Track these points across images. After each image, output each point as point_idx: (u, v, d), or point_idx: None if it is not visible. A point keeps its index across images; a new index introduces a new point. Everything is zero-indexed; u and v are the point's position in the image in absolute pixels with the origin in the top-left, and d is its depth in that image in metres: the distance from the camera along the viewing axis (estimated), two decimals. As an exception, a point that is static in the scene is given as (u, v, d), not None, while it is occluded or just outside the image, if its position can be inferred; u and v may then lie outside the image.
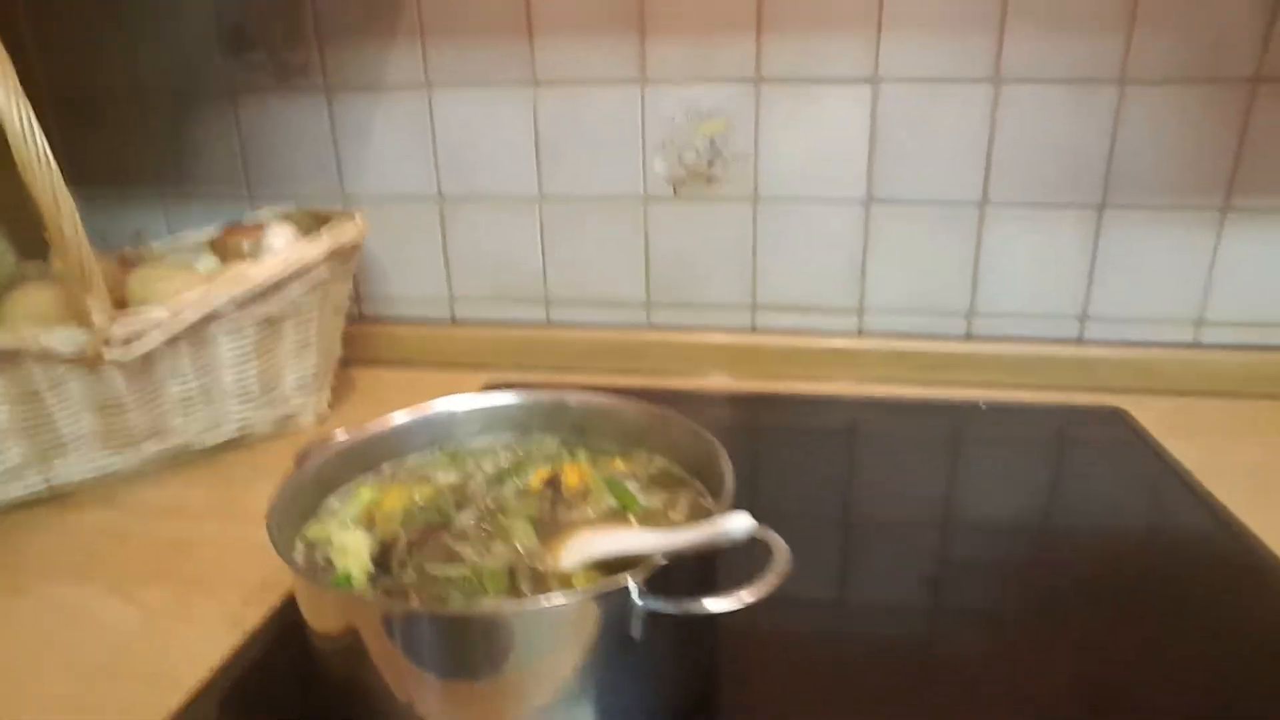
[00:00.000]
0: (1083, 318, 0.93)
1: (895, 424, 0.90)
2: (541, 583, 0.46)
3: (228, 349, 0.80)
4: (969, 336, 0.96)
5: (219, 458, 0.83)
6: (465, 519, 0.52)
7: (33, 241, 0.78)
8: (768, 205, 0.96)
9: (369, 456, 0.58)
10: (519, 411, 0.63)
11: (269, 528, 0.45)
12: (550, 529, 0.51)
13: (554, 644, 0.41)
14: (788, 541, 0.44)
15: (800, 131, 0.92)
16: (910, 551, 0.67)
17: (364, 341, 1.08)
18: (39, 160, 0.64)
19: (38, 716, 0.51)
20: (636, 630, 0.41)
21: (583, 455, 0.59)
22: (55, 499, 0.75)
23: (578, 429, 0.62)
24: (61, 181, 0.65)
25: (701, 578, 0.47)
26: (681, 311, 1.02)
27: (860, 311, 0.98)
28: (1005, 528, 0.71)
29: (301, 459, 0.55)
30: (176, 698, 0.51)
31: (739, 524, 0.41)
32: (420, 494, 0.54)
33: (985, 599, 0.60)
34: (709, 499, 0.53)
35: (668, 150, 0.96)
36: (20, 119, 0.63)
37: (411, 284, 1.07)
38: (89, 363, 0.70)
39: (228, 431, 0.83)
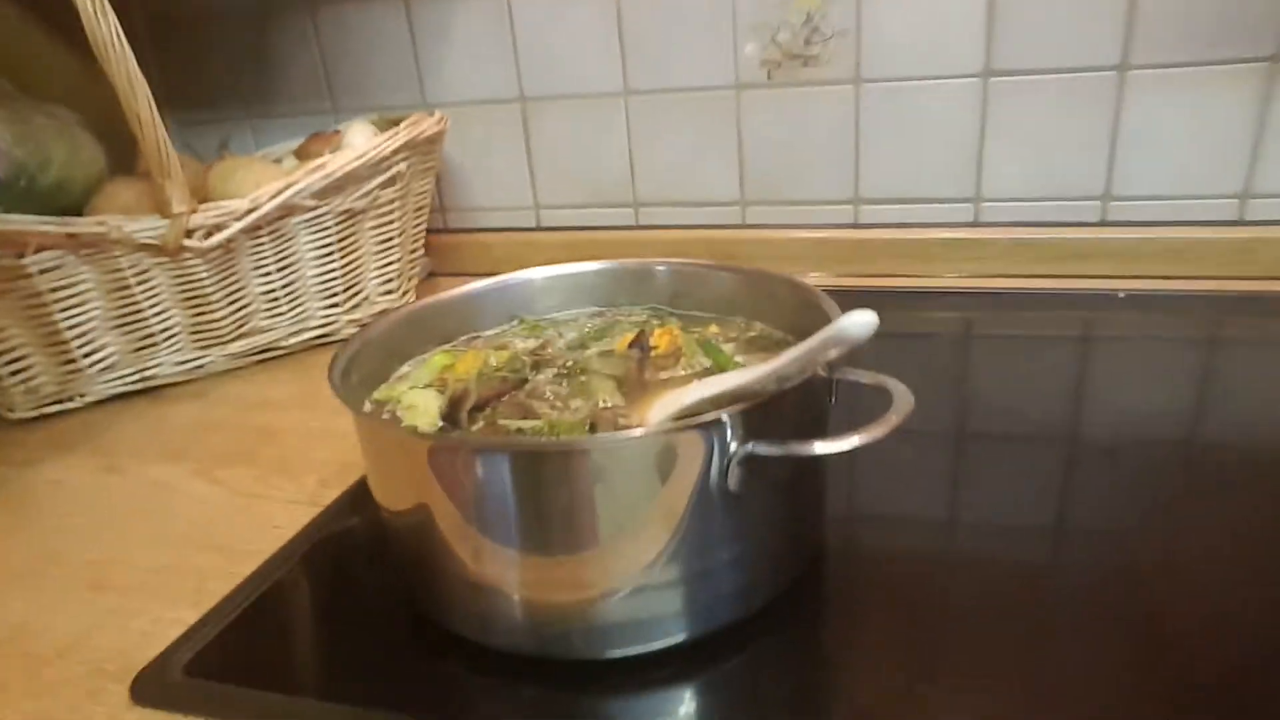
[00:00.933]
0: (1245, 195, 0.82)
1: (1016, 319, 0.82)
2: (626, 436, 0.41)
3: (309, 243, 0.78)
4: (1104, 223, 0.86)
5: (305, 357, 0.82)
6: (543, 379, 0.48)
7: (127, 156, 0.79)
8: (871, 86, 0.87)
9: (443, 327, 0.55)
10: (604, 279, 0.58)
11: (331, 378, 0.42)
12: (637, 390, 0.46)
13: (637, 488, 0.36)
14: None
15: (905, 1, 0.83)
16: (1034, 464, 0.57)
17: (450, 252, 1.06)
18: (112, 44, 0.62)
19: (128, 579, 0.50)
20: (734, 478, 0.36)
21: (673, 323, 0.54)
22: (149, 392, 0.76)
23: (668, 297, 0.57)
24: (135, 65, 0.64)
25: (810, 420, 0.41)
26: (779, 209, 0.95)
27: (977, 199, 0.89)
28: (1147, 436, 0.59)
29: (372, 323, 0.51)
30: (252, 564, 0.50)
31: (858, 320, 0.33)
32: (496, 358, 0.50)
33: (1117, 519, 0.50)
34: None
35: (760, 31, 0.88)
36: (92, 3, 0.61)
37: (496, 192, 1.04)
38: (170, 251, 0.69)
39: (313, 331, 0.82)
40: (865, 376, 0.41)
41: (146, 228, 0.68)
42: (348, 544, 0.52)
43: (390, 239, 0.84)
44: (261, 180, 0.74)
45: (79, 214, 0.73)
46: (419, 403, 0.45)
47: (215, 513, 0.56)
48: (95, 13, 0.62)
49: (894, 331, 0.82)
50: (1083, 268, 0.86)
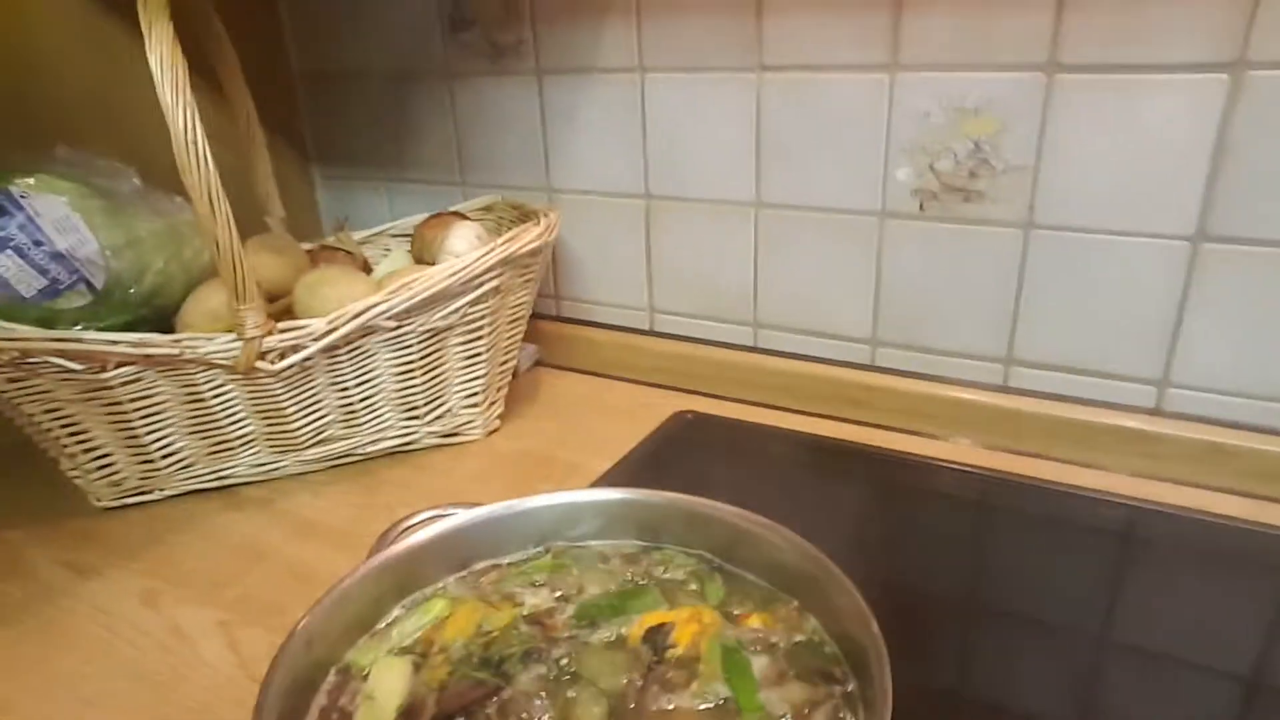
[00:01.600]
0: None
1: (1196, 547, 0.66)
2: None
3: (389, 361, 0.75)
4: (1333, 441, 0.68)
5: (378, 470, 0.79)
6: (528, 678, 0.40)
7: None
8: (1045, 234, 0.73)
9: (460, 551, 0.49)
10: (648, 513, 0.50)
11: (266, 680, 0.37)
12: (631, 718, 0.38)
13: None
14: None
15: (1106, 137, 0.68)
16: None
17: (558, 343, 1.01)
18: (198, 166, 0.61)
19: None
20: None
21: (714, 591, 0.45)
22: (223, 491, 0.76)
23: (722, 549, 0.48)
24: (219, 187, 0.62)
25: None
26: (915, 356, 0.82)
27: (1163, 383, 0.73)
28: None
29: (377, 547, 0.46)
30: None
31: None
32: (492, 621, 0.43)
33: None
34: (859, 716, 0.37)
35: (917, 156, 0.76)
36: (184, 121, 0.60)
37: (612, 288, 0.97)
38: (243, 372, 0.68)
39: (390, 441, 0.79)
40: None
41: (220, 349, 0.66)
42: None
43: (478, 354, 0.79)
44: (346, 297, 0.71)
45: (176, 308, 0.74)
46: (380, 693, 0.39)
47: (216, 695, 0.54)
48: (185, 134, 0.60)
49: (1036, 521, 0.69)
50: (1296, 492, 0.68)
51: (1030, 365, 0.77)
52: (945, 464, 0.77)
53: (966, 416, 0.80)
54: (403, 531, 0.48)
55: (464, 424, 0.82)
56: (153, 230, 0.72)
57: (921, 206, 0.77)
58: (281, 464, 0.77)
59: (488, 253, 0.74)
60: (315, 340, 0.69)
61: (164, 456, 0.72)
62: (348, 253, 0.89)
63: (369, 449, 0.79)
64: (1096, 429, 0.74)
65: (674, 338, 0.95)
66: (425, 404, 0.79)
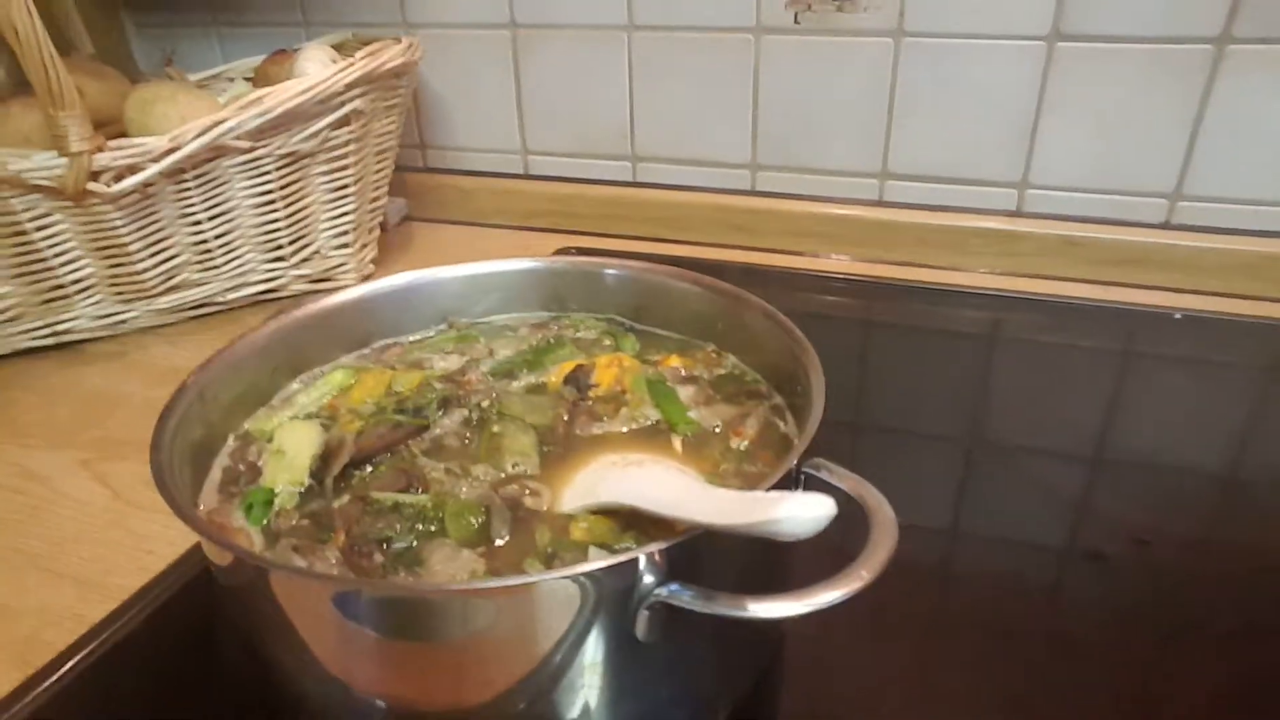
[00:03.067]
0: (1342, 207, 0.69)
1: (1055, 330, 0.71)
2: (526, 528, 0.32)
3: (246, 190, 0.68)
4: (1169, 225, 0.74)
5: (244, 317, 0.73)
6: (450, 422, 0.38)
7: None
8: (915, 41, 0.74)
9: (356, 329, 0.45)
10: (556, 280, 0.48)
11: (159, 430, 0.33)
12: (561, 447, 0.37)
13: (517, 640, 0.27)
14: (894, 478, 0.29)
15: (969, -61, 0.70)
16: (1058, 505, 0.49)
17: (428, 195, 0.95)
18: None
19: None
20: (642, 627, 0.27)
21: (629, 344, 0.44)
22: (62, 348, 0.67)
23: (631, 309, 0.47)
24: (20, -34, 0.53)
25: (756, 555, 0.32)
26: (795, 177, 0.83)
27: (1023, 186, 0.77)
28: (1185, 483, 0.52)
29: (268, 321, 0.42)
30: (105, 606, 0.42)
31: (805, 514, 0.24)
32: (402, 382, 0.41)
33: (1138, 581, 0.43)
34: (788, 421, 0.38)
35: (791, -35, 0.75)
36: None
37: (481, 132, 0.92)
38: (72, 196, 0.60)
39: (254, 287, 0.73)
40: (843, 480, 0.31)
41: (40, 167, 0.58)
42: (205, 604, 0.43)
43: (345, 185, 0.74)
44: (188, 114, 0.63)
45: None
46: (290, 446, 0.36)
47: (86, 524, 0.48)
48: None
49: (916, 326, 0.73)
50: (1137, 275, 0.74)
51: (902, 178, 0.80)
52: (827, 275, 0.79)
53: (845, 232, 0.82)
54: (292, 311, 0.44)
55: (335, 267, 0.77)
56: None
57: (796, 19, 0.77)
58: (129, 314, 0.69)
59: (346, 67, 0.68)
60: (155, 160, 0.61)
61: (-16, 306, 0.63)
62: (181, 90, 0.80)
63: (230, 296, 0.73)
64: (964, 232, 0.78)
65: (550, 179, 0.91)
66: (290, 243, 0.73)
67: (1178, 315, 0.70)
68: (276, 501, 0.34)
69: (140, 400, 0.61)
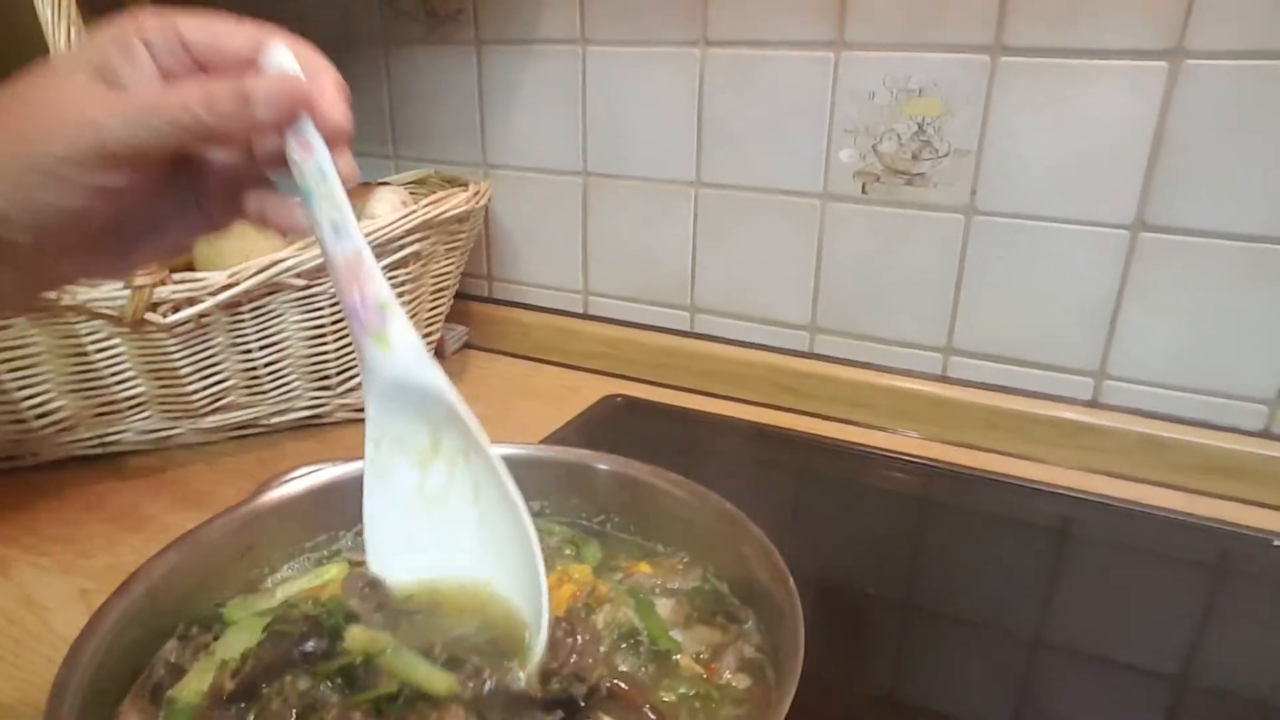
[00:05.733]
0: None
1: (1131, 540, 0.64)
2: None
3: (297, 323, 0.70)
4: (1268, 434, 0.67)
5: (283, 442, 0.74)
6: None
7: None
8: (986, 220, 0.71)
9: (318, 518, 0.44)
10: (528, 472, 0.45)
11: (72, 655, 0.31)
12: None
13: None
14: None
15: (1049, 123, 0.67)
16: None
17: (490, 326, 0.96)
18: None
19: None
20: None
21: (591, 553, 0.41)
22: (108, 459, 0.70)
23: (616, 506, 0.44)
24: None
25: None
26: (854, 344, 0.80)
27: (1100, 375, 0.71)
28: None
29: (249, 499, 0.41)
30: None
31: None
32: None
33: None
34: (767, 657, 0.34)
35: (860, 137, 0.74)
36: (52, 25, 0.54)
37: (546, 269, 0.94)
38: (131, 324, 0.62)
39: (299, 413, 0.74)
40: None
41: (104, 297, 0.61)
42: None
43: (397, 323, 0.74)
44: (252, 252, 0.66)
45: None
46: (227, 650, 0.34)
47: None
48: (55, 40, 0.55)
49: (972, 513, 0.67)
50: (1230, 487, 0.67)
51: (969, 355, 0.76)
52: (883, 453, 0.74)
53: (905, 406, 0.77)
54: (282, 484, 0.43)
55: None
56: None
57: (864, 189, 0.75)
58: (175, 431, 0.71)
59: (409, 214, 0.70)
60: (213, 294, 0.64)
61: (39, 417, 0.66)
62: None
63: (274, 420, 0.74)
64: (1034, 420, 0.73)
65: (608, 321, 0.91)
66: (338, 373, 0.74)
67: (1277, 543, 0.62)
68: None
69: (159, 526, 0.62)
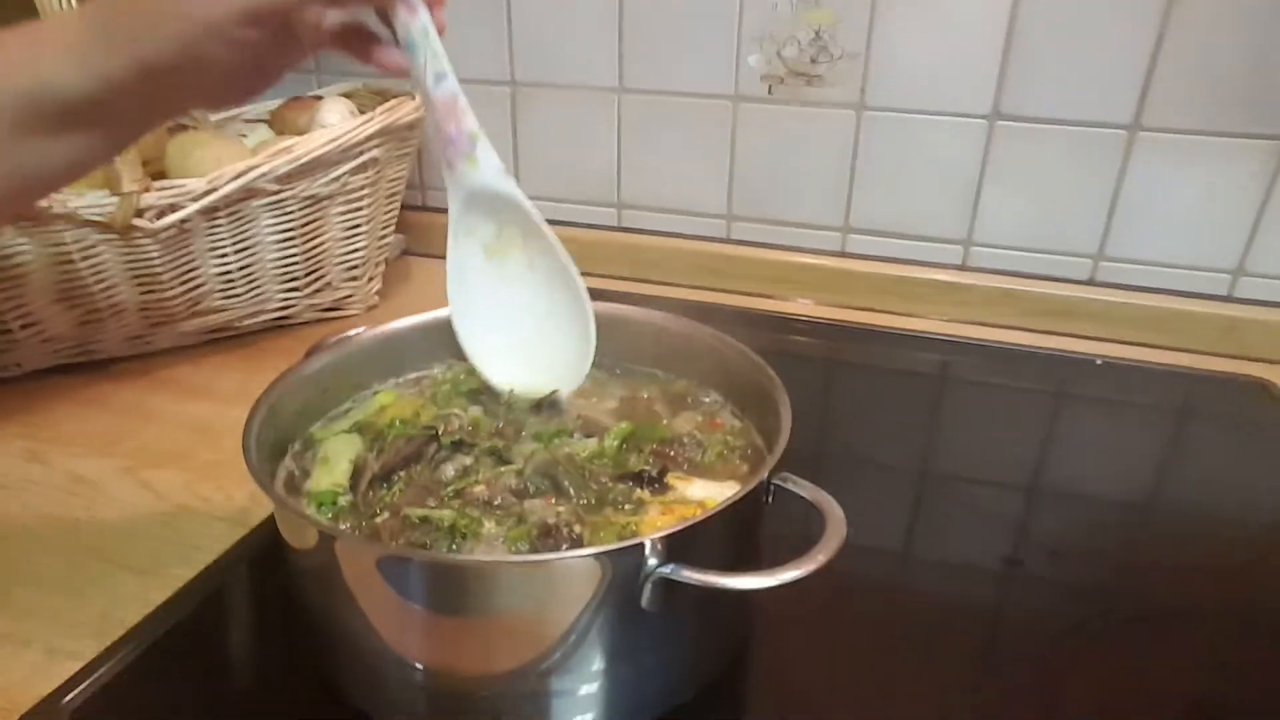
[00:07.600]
0: (1238, 272, 0.79)
1: (993, 372, 0.80)
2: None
3: (270, 227, 0.75)
4: (1093, 281, 0.84)
5: (259, 341, 0.79)
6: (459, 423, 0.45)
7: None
8: (875, 114, 0.84)
9: (392, 360, 0.52)
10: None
11: (247, 428, 0.40)
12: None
13: (540, 606, 0.35)
14: (849, 494, 0.36)
15: (922, 29, 0.79)
16: (990, 522, 0.58)
17: (425, 232, 1.02)
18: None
19: (28, 597, 0.48)
20: (647, 598, 0.34)
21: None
22: (92, 366, 0.73)
23: (631, 353, 0.55)
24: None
25: (737, 543, 0.39)
26: (766, 228, 0.92)
27: (968, 243, 0.86)
28: (1107, 506, 0.61)
29: (313, 352, 0.49)
30: (166, 590, 0.48)
31: None
32: (426, 414, 0.48)
33: (1070, 592, 0.51)
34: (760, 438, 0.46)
35: (766, 43, 0.84)
36: None
37: (478, 176, 1.00)
38: (119, 231, 0.66)
39: (270, 314, 0.79)
40: (804, 490, 0.39)
41: (93, 204, 0.64)
42: (268, 580, 0.50)
43: (358, 225, 0.81)
44: (223, 159, 0.70)
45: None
46: (334, 454, 0.43)
47: (138, 522, 0.54)
48: None
49: (871, 365, 0.81)
50: (1066, 325, 0.84)
51: (862, 232, 0.89)
52: (794, 318, 0.87)
53: (811, 278, 0.90)
54: (336, 341, 0.51)
55: (344, 298, 0.84)
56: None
57: (770, 90, 0.86)
58: (153, 337, 0.75)
59: (368, 120, 0.76)
60: (195, 200, 0.68)
61: (24, 327, 0.69)
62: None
63: (246, 322, 0.79)
64: (916, 282, 0.87)
65: (542, 222, 0.99)
66: (305, 275, 0.79)
67: (1098, 361, 0.79)
68: (340, 500, 0.41)
69: (170, 414, 0.67)
